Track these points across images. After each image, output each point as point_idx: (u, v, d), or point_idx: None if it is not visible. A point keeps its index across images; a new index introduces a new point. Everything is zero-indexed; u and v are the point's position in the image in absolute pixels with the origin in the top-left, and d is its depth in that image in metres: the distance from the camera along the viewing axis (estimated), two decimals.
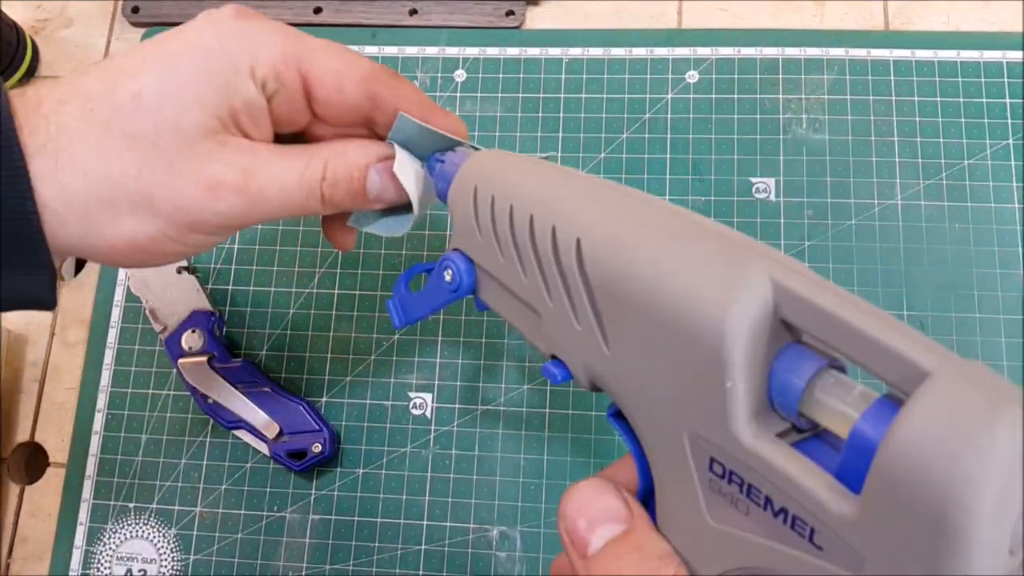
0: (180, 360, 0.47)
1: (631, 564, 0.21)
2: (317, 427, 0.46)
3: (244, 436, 0.47)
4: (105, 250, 0.28)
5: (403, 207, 0.34)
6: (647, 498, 0.24)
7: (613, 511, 0.22)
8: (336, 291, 0.50)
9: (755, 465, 0.20)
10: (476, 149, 0.32)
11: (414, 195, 0.32)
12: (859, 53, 0.51)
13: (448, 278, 0.32)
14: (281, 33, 0.30)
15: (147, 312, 0.49)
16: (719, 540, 0.21)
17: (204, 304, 0.48)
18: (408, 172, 0.32)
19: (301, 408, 0.47)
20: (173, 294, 0.49)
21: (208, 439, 0.48)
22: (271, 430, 0.46)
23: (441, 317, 0.49)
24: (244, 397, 0.46)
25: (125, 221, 0.28)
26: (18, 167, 0.26)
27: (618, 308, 0.23)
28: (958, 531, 0.16)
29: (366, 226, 0.36)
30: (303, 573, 0.46)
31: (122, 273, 0.51)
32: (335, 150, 0.31)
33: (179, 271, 0.49)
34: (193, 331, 0.47)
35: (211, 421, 0.48)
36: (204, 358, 0.47)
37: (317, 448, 0.46)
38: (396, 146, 0.33)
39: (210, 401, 0.46)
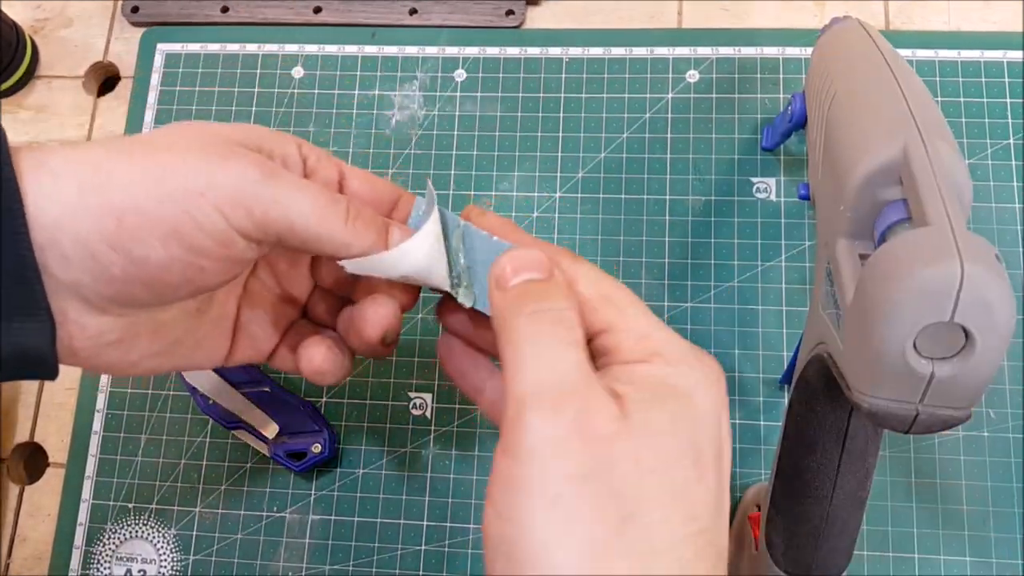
0: None
1: (539, 288, 0.25)
2: (317, 427, 0.46)
3: (244, 436, 0.47)
4: (102, 221, 0.25)
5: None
6: None
7: (538, 263, 0.26)
8: None
9: (834, 268, 0.29)
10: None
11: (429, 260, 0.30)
12: None
13: (788, 112, 0.44)
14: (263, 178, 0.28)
15: None
16: (819, 322, 0.30)
17: None
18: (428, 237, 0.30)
19: (301, 408, 0.47)
20: None
21: (208, 439, 0.48)
22: (270, 430, 0.46)
23: None
24: (244, 397, 0.46)
25: (135, 181, 0.25)
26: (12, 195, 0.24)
27: (829, 143, 0.32)
28: (874, 321, 0.24)
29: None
30: (303, 574, 0.46)
31: None
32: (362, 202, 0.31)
33: None
34: None
35: (211, 422, 0.48)
36: None
37: (317, 448, 0.46)
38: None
39: (210, 402, 0.46)
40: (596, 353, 0.26)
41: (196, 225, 0.25)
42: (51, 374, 0.26)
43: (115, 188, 0.25)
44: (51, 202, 0.24)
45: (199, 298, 0.30)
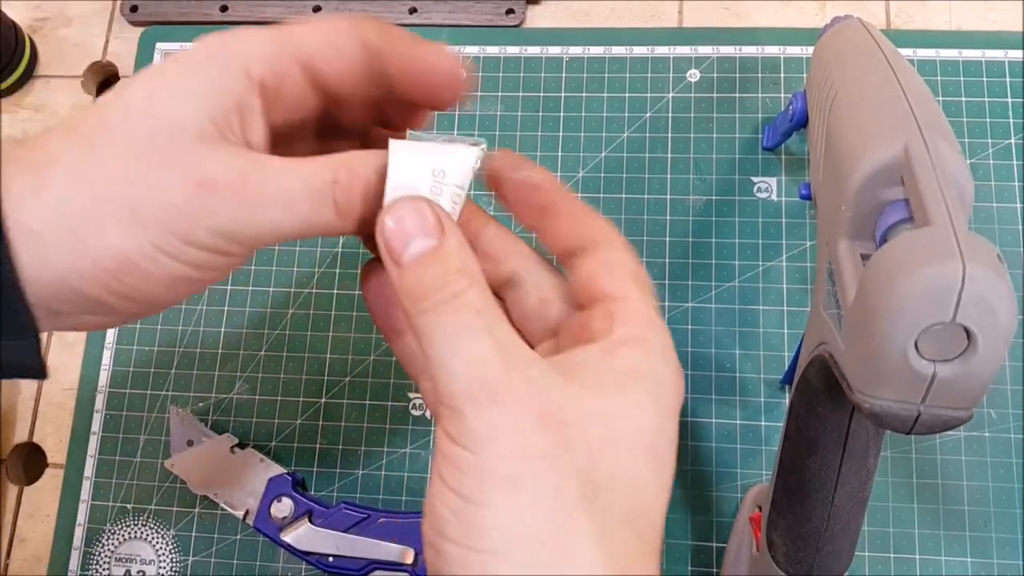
0: (282, 534, 0.44)
1: (433, 274, 0.24)
2: None
3: None
4: (94, 273, 0.25)
5: None
6: None
7: (425, 222, 0.24)
8: (336, 291, 0.50)
9: (836, 269, 0.29)
10: (478, 145, 0.30)
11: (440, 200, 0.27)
12: None
13: (790, 111, 0.45)
14: (267, 30, 0.27)
15: (224, 506, 0.46)
16: (821, 322, 0.30)
17: (275, 470, 0.46)
18: (422, 173, 0.27)
19: (421, 519, 0.44)
20: (239, 476, 0.46)
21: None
22: (408, 557, 0.43)
23: None
24: (367, 538, 0.44)
25: (112, 232, 0.25)
26: None
27: (830, 143, 0.32)
28: (875, 321, 0.24)
29: None
30: (302, 575, 0.46)
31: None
32: (349, 154, 0.27)
33: (232, 450, 0.47)
34: (278, 500, 0.45)
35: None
36: (304, 520, 0.44)
37: None
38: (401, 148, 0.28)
39: (331, 560, 0.44)
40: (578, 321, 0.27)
41: (191, 266, 0.26)
42: (39, 376, 0.26)
43: (103, 249, 0.25)
44: (42, 270, 0.24)
45: None
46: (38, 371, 0.26)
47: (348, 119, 0.31)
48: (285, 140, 0.29)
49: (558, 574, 0.21)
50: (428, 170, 0.26)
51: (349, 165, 0.26)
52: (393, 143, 0.26)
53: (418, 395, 0.48)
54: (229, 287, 0.51)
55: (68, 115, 0.28)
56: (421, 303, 0.24)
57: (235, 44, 0.27)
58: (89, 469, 0.49)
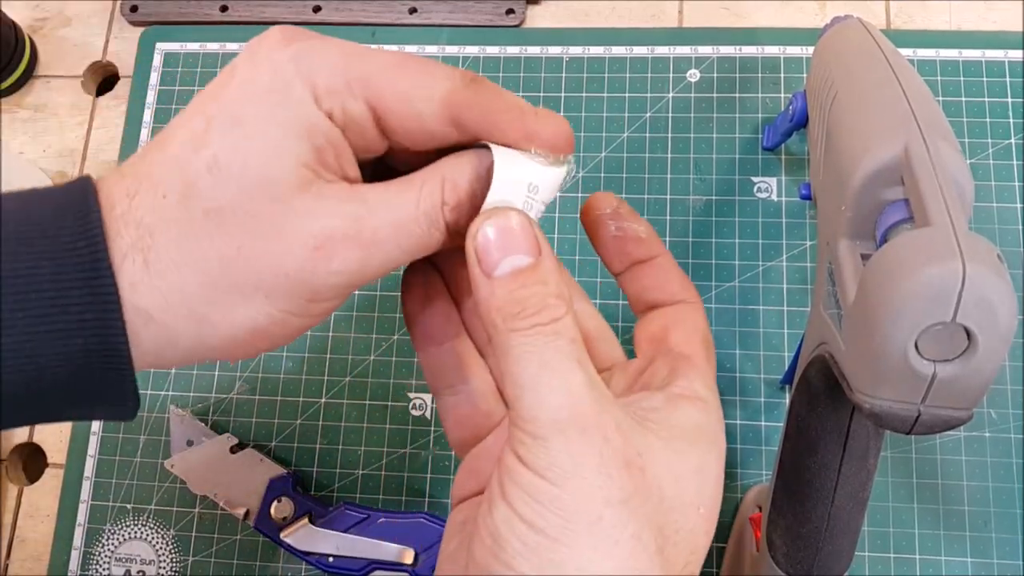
0: (282, 534, 0.44)
1: (532, 294, 0.23)
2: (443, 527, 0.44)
3: None
4: (225, 346, 0.24)
5: None
6: None
7: (524, 238, 0.24)
8: None
9: (836, 269, 0.29)
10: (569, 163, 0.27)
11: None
12: None
13: (790, 111, 0.45)
14: (339, 53, 0.25)
15: (224, 506, 0.46)
16: (821, 322, 0.30)
17: (275, 470, 0.46)
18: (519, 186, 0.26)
19: (420, 519, 0.44)
20: (239, 476, 0.46)
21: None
22: (407, 557, 0.43)
23: None
24: (367, 538, 0.44)
25: (239, 309, 0.24)
26: (108, 291, 0.23)
27: (830, 143, 0.32)
28: (876, 321, 0.24)
29: None
30: (302, 575, 0.46)
31: None
32: (450, 166, 0.26)
33: (232, 450, 0.47)
34: (279, 500, 0.45)
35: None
36: (304, 520, 0.44)
37: None
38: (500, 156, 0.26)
39: (331, 560, 0.44)
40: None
41: (297, 318, 0.25)
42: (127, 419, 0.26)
43: (228, 324, 0.24)
44: (167, 350, 0.24)
45: None
46: (128, 416, 0.26)
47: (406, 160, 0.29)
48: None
49: None
50: (525, 184, 0.25)
51: (454, 181, 0.25)
52: (497, 152, 0.25)
53: (418, 395, 0.48)
54: None
55: (142, 154, 0.25)
56: (514, 321, 0.23)
57: (304, 70, 0.25)
58: (89, 469, 0.49)
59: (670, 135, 0.51)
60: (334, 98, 0.25)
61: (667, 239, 0.49)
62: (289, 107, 0.24)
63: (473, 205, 0.25)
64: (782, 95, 0.51)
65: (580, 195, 0.50)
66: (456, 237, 0.25)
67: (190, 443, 0.47)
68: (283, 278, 0.24)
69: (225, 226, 0.23)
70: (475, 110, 0.25)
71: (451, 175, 0.25)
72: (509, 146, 0.25)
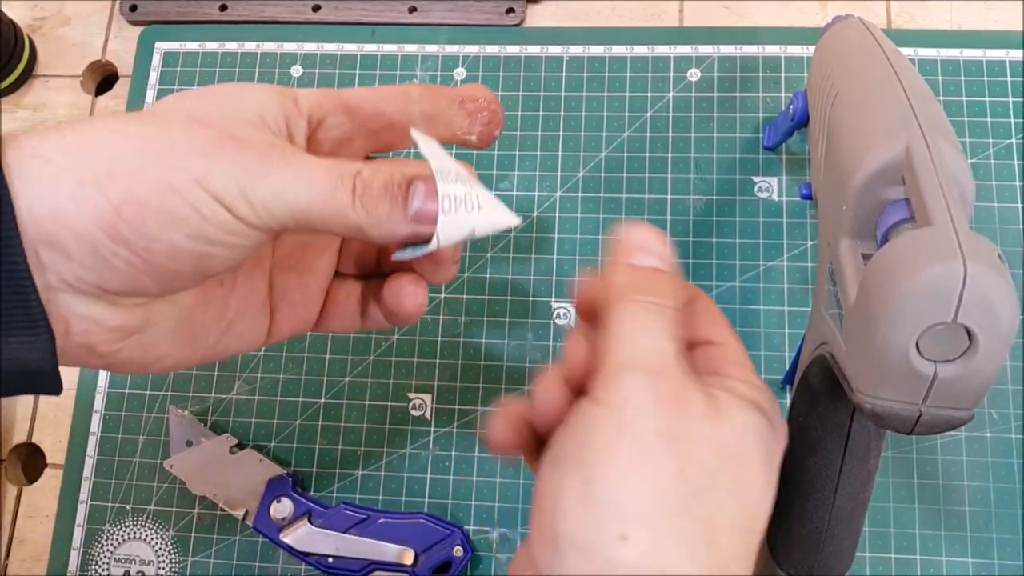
0: (281, 534, 0.44)
1: (661, 287, 0.26)
2: (447, 530, 0.44)
3: None
4: (103, 208, 0.24)
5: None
6: None
7: (664, 255, 0.27)
8: None
9: (837, 269, 0.29)
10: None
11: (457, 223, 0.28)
12: None
13: (791, 111, 0.45)
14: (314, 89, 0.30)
15: (223, 506, 0.46)
16: (822, 322, 0.30)
17: (275, 470, 0.46)
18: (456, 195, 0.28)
19: (420, 519, 0.44)
20: (238, 476, 0.46)
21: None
22: (407, 557, 0.43)
23: (440, 318, 0.49)
24: (366, 539, 0.44)
25: (133, 166, 0.24)
26: None
27: (831, 142, 0.32)
28: (877, 321, 0.24)
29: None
30: (301, 575, 0.46)
31: None
32: (378, 161, 0.29)
33: (232, 450, 0.47)
34: (278, 501, 0.45)
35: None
36: (304, 521, 0.45)
37: (459, 552, 0.43)
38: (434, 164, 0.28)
39: (331, 560, 0.44)
40: (696, 359, 0.28)
41: (199, 215, 0.25)
42: (54, 388, 0.25)
43: (114, 178, 0.24)
44: (48, 194, 0.23)
45: (219, 276, 0.29)
46: (51, 381, 0.25)
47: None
48: None
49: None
50: (452, 166, 0.28)
51: (375, 166, 0.27)
52: (416, 136, 0.29)
53: (418, 395, 0.48)
54: None
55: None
56: (632, 292, 0.26)
57: (287, 90, 0.29)
58: (88, 469, 0.49)
59: (670, 134, 0.51)
60: (311, 101, 0.29)
61: (667, 239, 0.49)
62: (266, 90, 0.28)
63: (389, 193, 0.27)
64: (783, 95, 0.51)
65: (581, 195, 0.50)
66: (360, 210, 0.26)
67: (189, 443, 0.47)
68: (187, 149, 0.25)
69: (160, 121, 0.26)
70: (421, 88, 0.31)
71: (374, 164, 0.28)
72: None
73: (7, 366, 0.24)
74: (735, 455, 0.24)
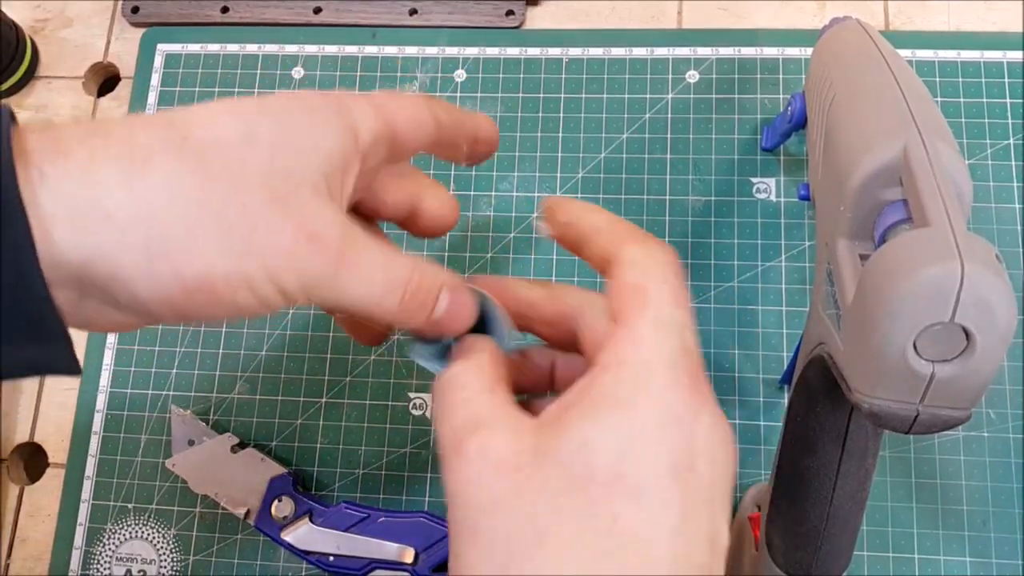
0: (282, 533, 0.44)
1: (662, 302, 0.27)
2: (447, 528, 0.43)
3: None
4: (166, 283, 0.23)
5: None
6: None
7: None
8: None
9: (835, 269, 0.29)
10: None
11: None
12: None
13: (789, 112, 0.45)
14: (368, 103, 0.29)
15: (224, 505, 0.46)
16: (819, 322, 0.30)
17: (276, 469, 0.46)
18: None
19: (421, 518, 0.44)
20: (239, 475, 0.46)
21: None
22: (407, 556, 0.43)
23: None
24: (367, 538, 0.44)
25: (205, 249, 0.23)
26: (13, 205, 0.22)
27: (829, 143, 0.33)
28: (874, 321, 0.24)
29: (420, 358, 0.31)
30: (302, 574, 0.46)
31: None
32: (419, 260, 0.28)
33: (233, 450, 0.47)
34: (279, 500, 0.45)
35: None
36: (305, 520, 0.45)
37: None
38: None
39: (332, 559, 0.44)
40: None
41: (259, 304, 0.25)
42: (72, 372, 0.26)
43: (189, 256, 0.23)
44: (110, 260, 0.23)
45: None
46: (68, 368, 0.25)
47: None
48: None
49: None
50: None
51: (422, 269, 0.28)
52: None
53: (418, 395, 0.48)
54: None
55: (162, 113, 0.25)
56: (644, 312, 0.27)
57: (350, 109, 0.28)
58: (90, 469, 0.49)
59: (669, 136, 0.51)
60: (371, 135, 0.28)
61: (666, 239, 0.49)
62: (333, 129, 0.27)
63: (425, 299, 0.28)
64: (781, 96, 0.51)
65: (580, 196, 0.50)
66: (403, 314, 0.27)
67: (191, 443, 0.47)
68: (266, 244, 0.24)
69: (232, 177, 0.24)
70: (443, 109, 0.31)
71: (419, 264, 0.28)
72: None
73: (20, 370, 0.25)
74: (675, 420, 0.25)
